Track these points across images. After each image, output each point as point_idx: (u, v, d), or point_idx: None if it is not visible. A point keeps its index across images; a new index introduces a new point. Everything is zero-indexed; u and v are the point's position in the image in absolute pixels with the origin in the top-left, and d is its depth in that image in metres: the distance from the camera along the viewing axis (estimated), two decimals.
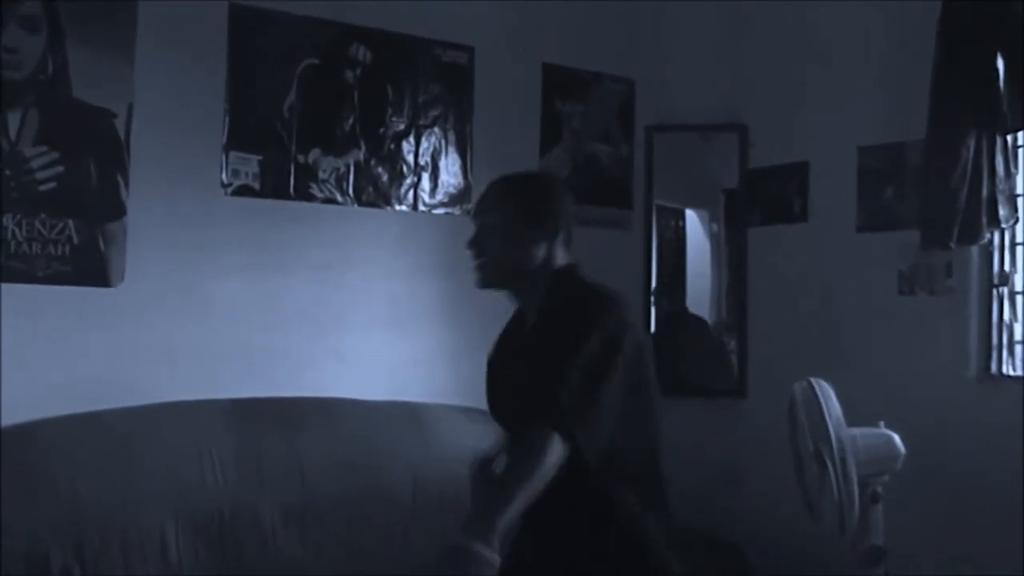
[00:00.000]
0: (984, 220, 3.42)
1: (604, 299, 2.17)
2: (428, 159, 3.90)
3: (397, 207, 3.83)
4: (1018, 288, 3.58)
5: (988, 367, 3.59)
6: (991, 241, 3.57)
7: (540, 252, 2.24)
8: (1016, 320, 3.58)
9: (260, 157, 3.54)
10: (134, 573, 2.89)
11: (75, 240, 3.20)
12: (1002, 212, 3.44)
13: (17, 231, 3.10)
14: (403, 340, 3.82)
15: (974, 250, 3.56)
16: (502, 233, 2.24)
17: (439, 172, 3.92)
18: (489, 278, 2.28)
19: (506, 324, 2.41)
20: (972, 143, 3.41)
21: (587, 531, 2.14)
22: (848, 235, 3.93)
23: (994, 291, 3.61)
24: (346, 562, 3.20)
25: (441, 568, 1.81)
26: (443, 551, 1.83)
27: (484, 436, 3.11)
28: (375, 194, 3.78)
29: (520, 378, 2.19)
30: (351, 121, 3.72)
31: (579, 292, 2.22)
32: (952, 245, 3.46)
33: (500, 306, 2.68)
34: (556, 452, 1.95)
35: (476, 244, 2.27)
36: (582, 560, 2.14)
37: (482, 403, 2.87)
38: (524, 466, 1.94)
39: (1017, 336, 3.57)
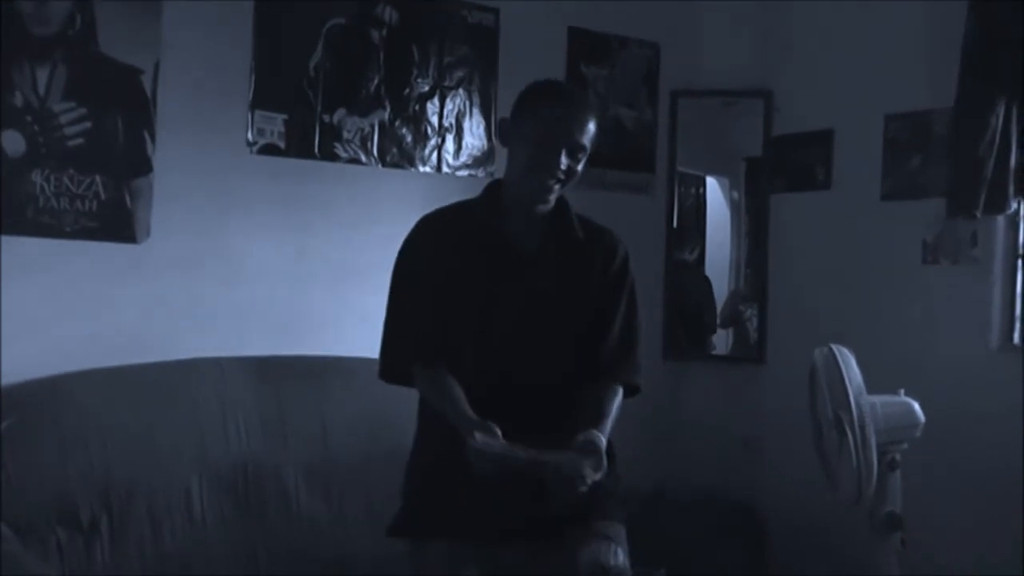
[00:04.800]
0: (1011, 190, 3.41)
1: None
2: (452, 121, 3.89)
3: (421, 168, 3.83)
4: None
5: (1011, 337, 3.59)
6: (1017, 211, 3.55)
7: None
8: None
9: (285, 116, 3.54)
10: (159, 526, 2.94)
11: (102, 196, 3.22)
12: None
13: (46, 186, 3.13)
14: None
15: (1000, 220, 3.55)
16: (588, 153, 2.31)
17: (463, 134, 3.91)
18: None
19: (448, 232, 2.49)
20: (1001, 112, 3.38)
21: None
22: (872, 203, 3.91)
23: (1019, 261, 3.59)
24: (367, 521, 3.22)
25: None
26: None
27: None
28: (399, 155, 3.78)
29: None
30: (376, 81, 3.72)
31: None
32: (978, 214, 3.45)
33: None
34: None
35: (573, 167, 2.31)
36: None
37: None
38: None
39: None
